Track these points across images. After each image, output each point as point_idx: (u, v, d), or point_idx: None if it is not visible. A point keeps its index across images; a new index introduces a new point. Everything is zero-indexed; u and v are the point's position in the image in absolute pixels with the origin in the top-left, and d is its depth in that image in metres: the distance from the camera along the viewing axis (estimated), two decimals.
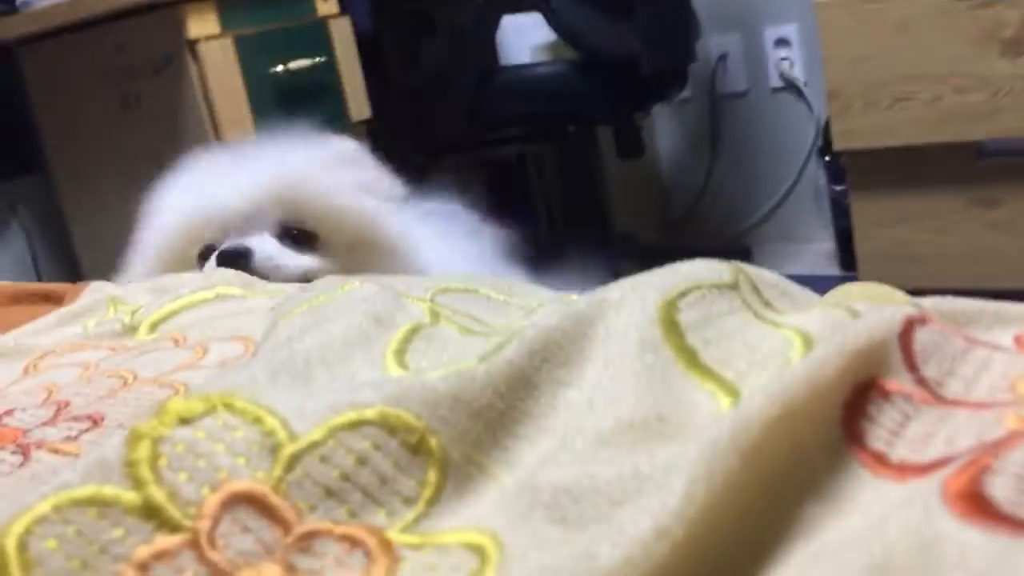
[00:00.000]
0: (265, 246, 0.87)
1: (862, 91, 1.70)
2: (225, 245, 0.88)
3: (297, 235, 0.90)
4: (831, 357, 0.26)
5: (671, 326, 0.32)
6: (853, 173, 1.78)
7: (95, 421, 0.37)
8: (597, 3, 1.84)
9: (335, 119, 1.84)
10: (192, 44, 1.62)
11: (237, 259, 0.84)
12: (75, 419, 0.37)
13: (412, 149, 2.69)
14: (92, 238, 1.93)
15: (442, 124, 2.56)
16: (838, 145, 1.76)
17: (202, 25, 1.64)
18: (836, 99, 1.73)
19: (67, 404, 0.39)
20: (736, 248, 2.21)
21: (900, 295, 0.42)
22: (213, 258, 0.87)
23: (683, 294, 0.34)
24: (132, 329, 0.51)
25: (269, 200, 0.89)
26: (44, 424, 0.37)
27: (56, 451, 0.35)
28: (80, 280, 1.98)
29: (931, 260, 1.73)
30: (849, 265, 2.16)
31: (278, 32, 1.75)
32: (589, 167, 2.17)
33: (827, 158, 2.16)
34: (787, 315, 0.36)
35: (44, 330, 0.55)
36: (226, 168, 0.95)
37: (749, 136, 2.45)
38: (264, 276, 0.83)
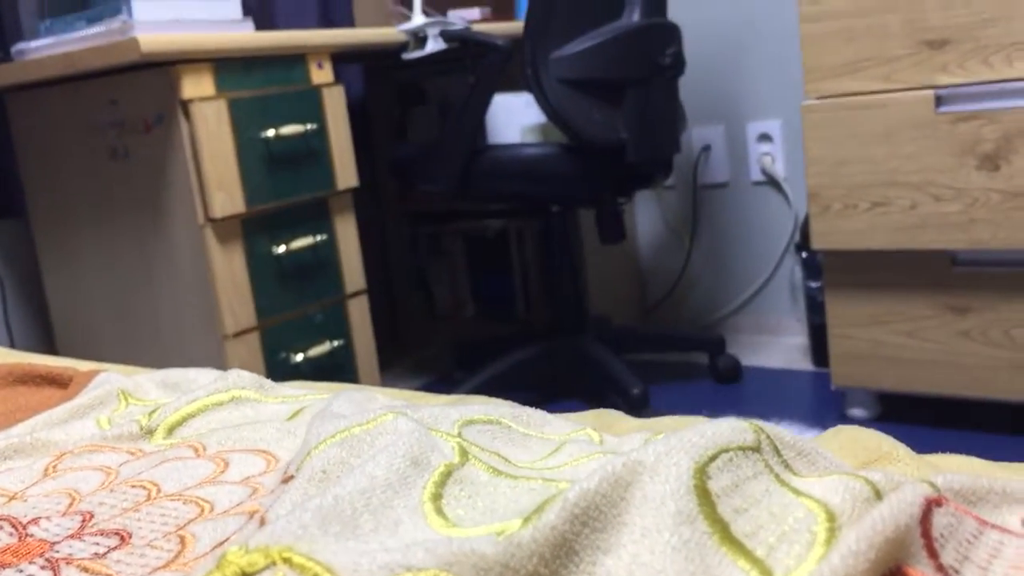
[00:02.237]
0: None
1: (842, 193, 1.75)
2: None
3: None
4: (863, 550, 0.28)
5: (704, 495, 0.33)
6: (830, 272, 1.82)
7: (123, 538, 0.37)
8: (588, 89, 1.89)
9: (322, 185, 1.85)
10: (185, 104, 1.64)
11: None
12: (102, 533, 0.37)
13: (396, 217, 2.71)
14: (64, 288, 1.92)
15: (427, 196, 2.59)
16: (816, 244, 1.80)
17: (197, 86, 1.65)
18: (816, 199, 1.78)
19: (91, 516, 0.39)
20: (711, 337, 2.24)
21: (903, 450, 0.44)
22: None
23: (712, 458, 0.36)
24: (149, 432, 0.52)
25: None
26: (70, 537, 0.38)
27: (86, 569, 0.35)
28: (48, 327, 1.97)
29: (903, 363, 1.76)
30: (821, 362, 2.20)
31: (272, 97, 1.77)
32: (569, 247, 2.20)
33: (804, 254, 2.21)
34: (806, 480, 0.37)
35: (57, 423, 0.55)
36: None
37: (728, 227, 2.50)
38: None
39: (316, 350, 1.85)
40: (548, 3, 1.84)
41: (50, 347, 2.04)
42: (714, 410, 2.02)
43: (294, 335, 1.82)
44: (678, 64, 1.98)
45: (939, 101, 1.63)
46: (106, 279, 1.84)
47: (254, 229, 1.75)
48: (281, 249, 1.78)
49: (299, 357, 1.81)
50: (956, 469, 0.43)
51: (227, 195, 1.69)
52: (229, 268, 1.70)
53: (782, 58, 2.34)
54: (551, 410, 2.29)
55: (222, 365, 1.71)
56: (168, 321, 1.77)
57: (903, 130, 1.67)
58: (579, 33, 1.87)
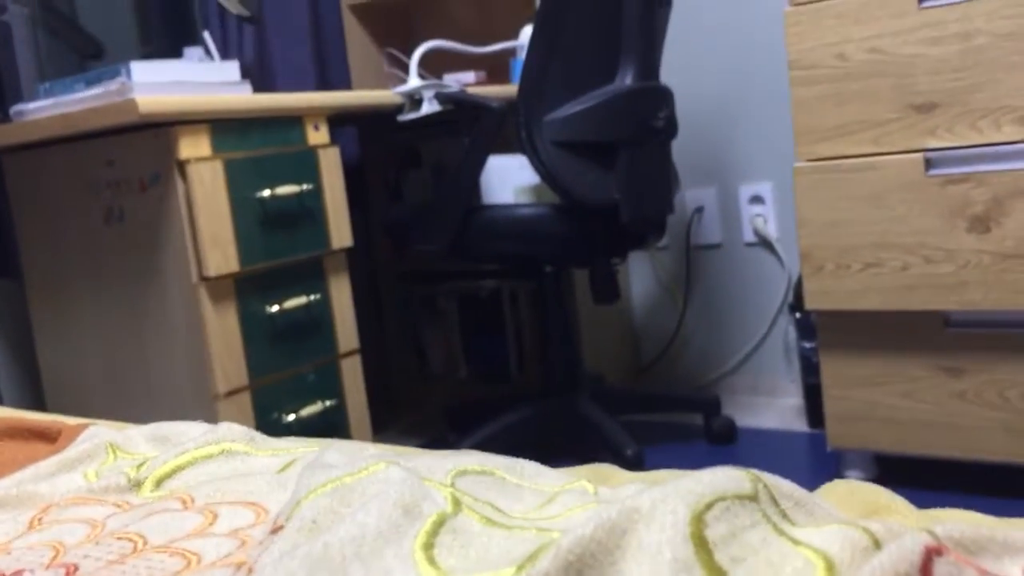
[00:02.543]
0: None
1: (834, 254, 1.76)
2: None
3: None
4: None
5: (701, 543, 0.33)
6: (823, 332, 1.82)
7: None
8: (582, 151, 1.90)
9: (316, 245, 1.86)
10: (182, 164, 1.65)
11: None
12: None
13: (390, 277, 2.72)
14: (56, 348, 1.91)
15: (421, 256, 2.60)
16: (810, 304, 1.80)
17: (194, 147, 1.67)
18: (809, 260, 1.78)
19: (76, 568, 0.38)
20: (705, 397, 2.23)
21: (901, 502, 0.43)
22: None
23: (709, 506, 0.35)
24: (137, 484, 0.51)
25: None
26: None
27: None
28: (38, 387, 1.95)
29: (898, 424, 1.75)
30: (817, 423, 2.19)
31: (268, 158, 1.78)
32: (563, 307, 2.20)
33: (798, 314, 2.21)
34: (804, 529, 0.37)
35: (44, 476, 0.54)
36: None
37: (721, 287, 2.51)
38: None
39: (308, 410, 1.84)
40: (542, 67, 1.86)
41: (40, 407, 2.02)
42: None
43: (286, 395, 1.81)
44: (671, 127, 2.01)
45: (928, 164, 1.65)
46: (98, 338, 1.84)
47: (248, 288, 1.75)
48: (275, 308, 1.78)
49: (291, 417, 1.80)
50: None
51: (221, 254, 1.69)
52: (222, 327, 1.70)
53: (773, 121, 2.36)
54: None
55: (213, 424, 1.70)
56: (159, 380, 1.76)
57: (894, 192, 1.68)
58: (572, 96, 1.89)
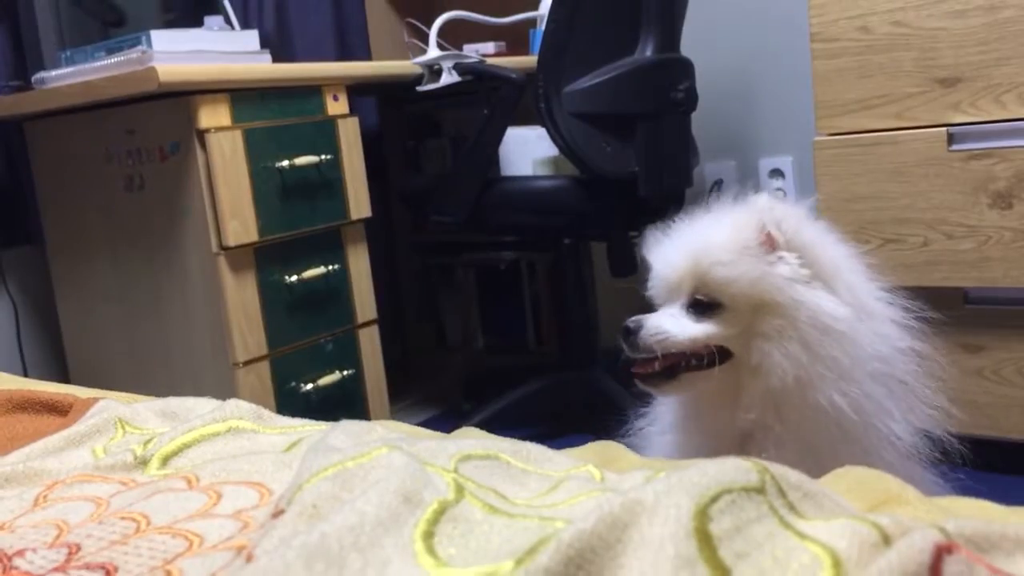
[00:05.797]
0: (658, 320, 1.06)
1: (854, 230, 1.74)
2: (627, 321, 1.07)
3: (703, 304, 1.06)
4: None
5: (704, 539, 0.32)
6: None
7: (108, 572, 0.36)
8: (601, 124, 1.89)
9: (335, 215, 1.86)
10: (201, 133, 1.65)
11: (627, 335, 1.06)
12: (87, 567, 0.37)
13: (408, 248, 2.71)
14: (77, 314, 1.92)
15: (439, 227, 2.60)
16: None
17: (213, 116, 1.66)
18: None
19: (78, 548, 0.38)
20: None
21: (912, 492, 0.43)
22: None
23: (714, 499, 0.35)
24: (143, 462, 0.51)
25: (685, 273, 1.06)
26: (55, 570, 0.37)
27: None
28: (60, 354, 1.97)
29: None
30: None
31: (287, 128, 1.78)
32: (580, 280, 2.19)
33: None
34: (812, 522, 0.36)
35: (52, 451, 0.54)
36: (675, 238, 1.11)
37: None
38: (650, 347, 1.04)
39: (326, 379, 1.84)
40: (562, 38, 1.84)
41: (62, 374, 2.04)
42: None
43: (304, 364, 1.82)
44: (690, 99, 1.98)
45: (951, 139, 1.62)
46: (119, 306, 1.85)
47: (267, 258, 1.75)
48: (293, 278, 1.78)
49: (309, 386, 1.81)
50: (967, 514, 0.42)
51: (241, 224, 1.69)
52: (241, 297, 1.70)
53: (794, 95, 2.33)
54: (561, 444, 2.22)
55: (232, 393, 1.71)
56: (179, 349, 1.77)
57: (915, 167, 1.66)
58: (592, 68, 1.87)
